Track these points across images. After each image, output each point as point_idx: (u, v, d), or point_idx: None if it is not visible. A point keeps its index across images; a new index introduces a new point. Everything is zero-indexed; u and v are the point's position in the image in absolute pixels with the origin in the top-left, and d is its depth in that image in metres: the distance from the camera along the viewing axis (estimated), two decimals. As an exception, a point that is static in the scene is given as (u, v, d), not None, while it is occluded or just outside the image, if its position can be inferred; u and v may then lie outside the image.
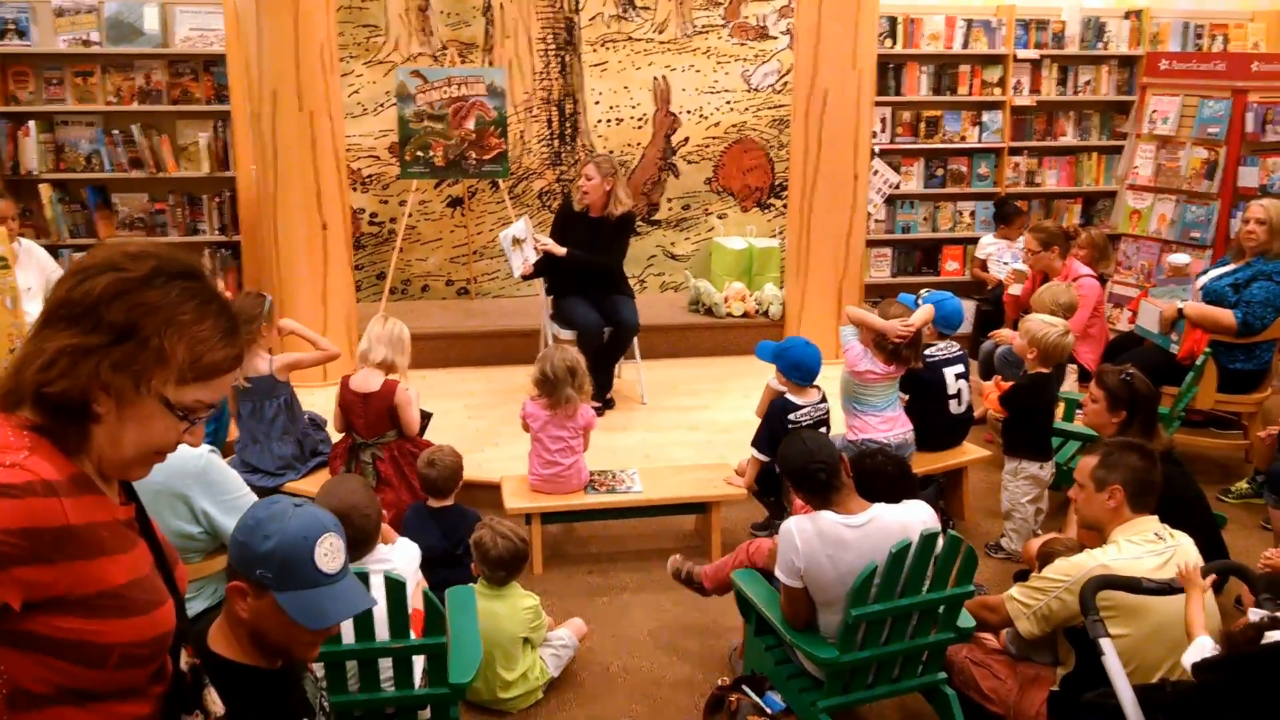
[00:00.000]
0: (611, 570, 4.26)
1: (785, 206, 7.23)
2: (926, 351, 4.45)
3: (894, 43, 7.38)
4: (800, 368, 4.20)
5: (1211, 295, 5.10)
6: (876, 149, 6.99)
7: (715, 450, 5.03)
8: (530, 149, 7.23)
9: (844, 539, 2.87)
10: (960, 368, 4.58)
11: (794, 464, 3.03)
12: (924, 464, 4.45)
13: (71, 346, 1.36)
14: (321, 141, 5.63)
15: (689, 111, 7.37)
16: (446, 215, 7.21)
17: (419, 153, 6.34)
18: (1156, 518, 2.98)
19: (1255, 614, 2.47)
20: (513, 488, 4.28)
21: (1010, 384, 4.38)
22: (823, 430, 4.18)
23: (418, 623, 2.85)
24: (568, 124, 7.24)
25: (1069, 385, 5.13)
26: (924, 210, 7.74)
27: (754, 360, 4.45)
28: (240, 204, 6.48)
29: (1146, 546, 2.88)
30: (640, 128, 7.34)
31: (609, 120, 7.28)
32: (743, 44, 7.36)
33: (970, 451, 4.71)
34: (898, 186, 7.35)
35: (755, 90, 7.45)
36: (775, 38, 7.39)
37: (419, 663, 2.83)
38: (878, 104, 6.87)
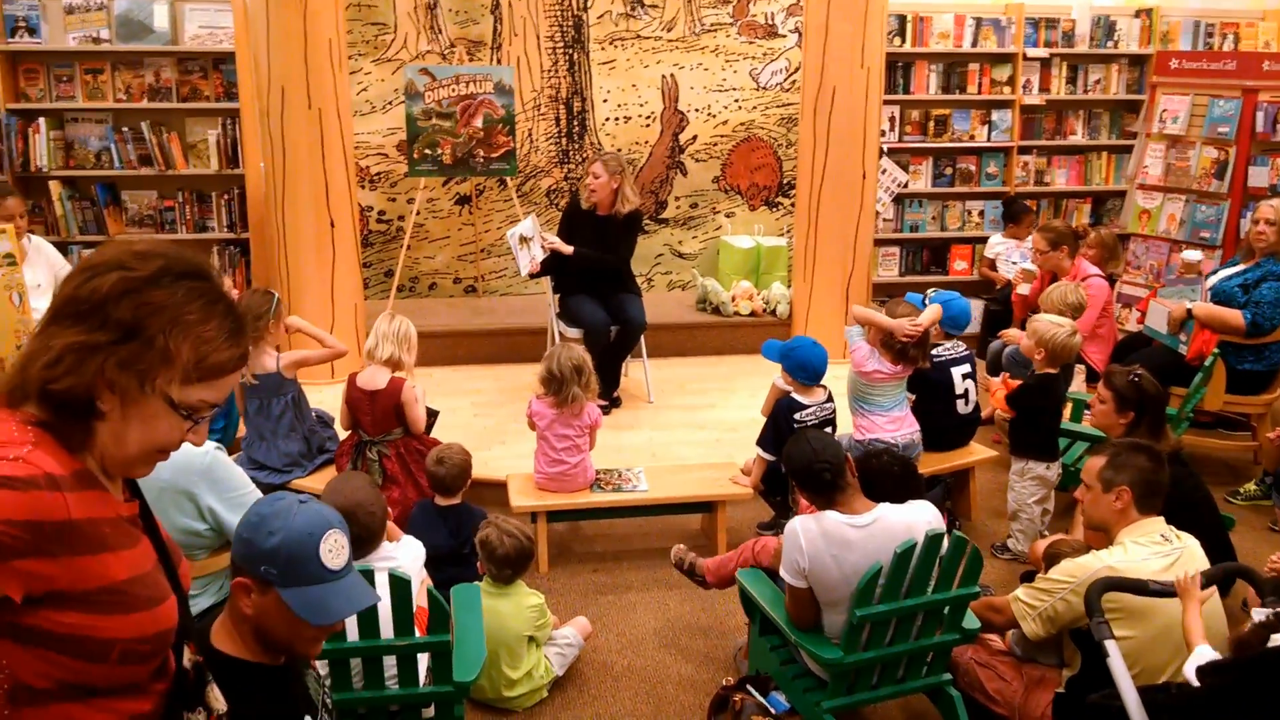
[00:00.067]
0: (617, 569, 4.26)
1: (793, 205, 7.21)
2: (933, 351, 4.44)
3: (903, 41, 7.37)
4: (806, 368, 4.19)
5: (1220, 296, 5.08)
6: (885, 148, 6.98)
7: (722, 449, 5.02)
8: (538, 147, 7.23)
9: (849, 539, 2.87)
10: (967, 368, 4.57)
11: (798, 463, 3.02)
12: (931, 464, 4.44)
13: (77, 344, 1.37)
14: (330, 139, 5.64)
15: (697, 110, 7.37)
16: (454, 213, 7.21)
17: (427, 150, 6.35)
18: (1163, 519, 2.97)
19: (1259, 613, 2.46)
20: (519, 486, 4.29)
21: (1018, 383, 4.37)
22: (828, 430, 4.18)
23: (422, 621, 2.85)
24: (575, 122, 7.24)
25: (1077, 386, 5.11)
26: (932, 209, 7.72)
27: (761, 359, 4.45)
28: (249, 201, 6.50)
29: (1153, 548, 2.87)
30: (648, 126, 7.33)
31: (617, 118, 7.28)
32: (751, 42, 7.35)
33: (977, 452, 4.69)
34: (905, 185, 7.33)
35: (763, 88, 7.44)
36: (784, 36, 7.38)
37: (423, 661, 2.83)
38: (886, 102, 6.86)
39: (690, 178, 7.48)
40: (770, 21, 7.35)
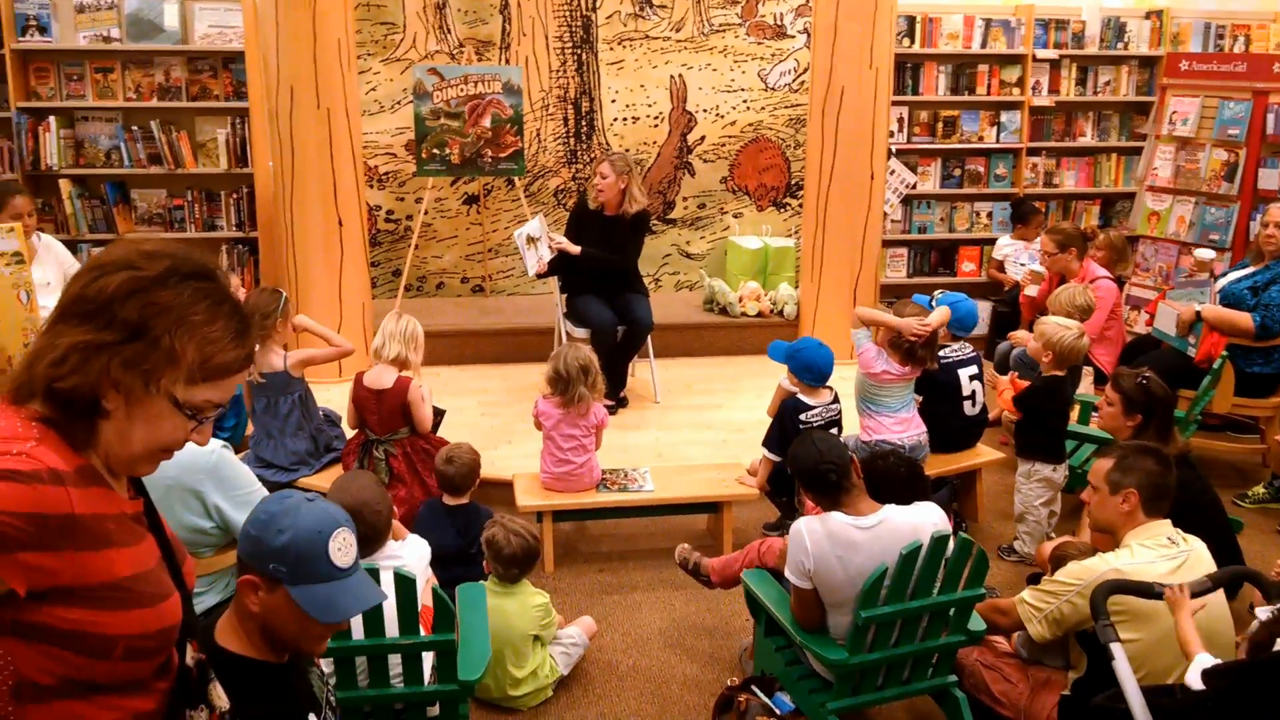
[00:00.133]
0: (622, 569, 4.27)
1: (801, 206, 7.21)
2: (941, 353, 4.43)
3: (912, 42, 7.35)
4: (812, 369, 4.19)
5: (1230, 298, 5.06)
6: (893, 148, 6.97)
7: (728, 450, 5.02)
8: (546, 147, 7.24)
9: (854, 540, 2.87)
10: (974, 369, 4.56)
11: (804, 464, 3.02)
12: (938, 466, 4.44)
13: (84, 343, 1.38)
14: (338, 138, 5.65)
15: (705, 110, 7.37)
16: (462, 213, 7.23)
17: (435, 150, 6.36)
18: (1170, 522, 2.96)
19: (1263, 612, 2.45)
20: (525, 485, 4.29)
21: (1026, 384, 4.36)
22: (834, 431, 4.17)
23: (427, 619, 2.86)
24: (584, 122, 7.25)
25: (1085, 388, 5.10)
26: (940, 210, 7.71)
27: (768, 360, 4.44)
28: (258, 200, 6.52)
29: (1159, 551, 2.86)
30: (656, 126, 7.34)
31: (625, 119, 7.28)
32: (759, 43, 7.35)
33: (984, 454, 4.68)
34: (914, 186, 7.32)
35: (772, 89, 7.43)
36: (792, 36, 7.37)
37: (428, 659, 2.84)
38: (895, 103, 6.85)
39: (698, 178, 7.48)
40: (779, 22, 7.35)
